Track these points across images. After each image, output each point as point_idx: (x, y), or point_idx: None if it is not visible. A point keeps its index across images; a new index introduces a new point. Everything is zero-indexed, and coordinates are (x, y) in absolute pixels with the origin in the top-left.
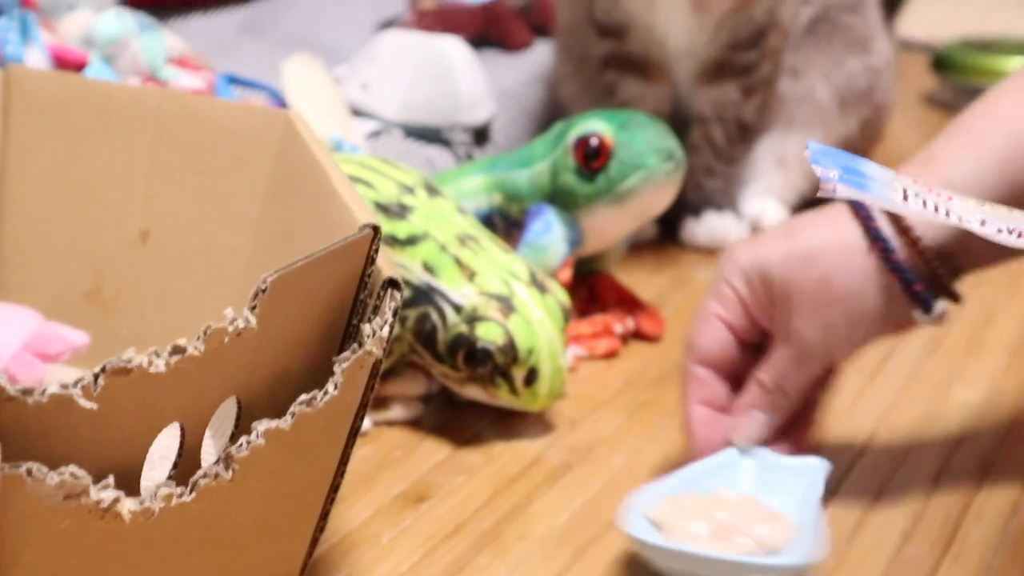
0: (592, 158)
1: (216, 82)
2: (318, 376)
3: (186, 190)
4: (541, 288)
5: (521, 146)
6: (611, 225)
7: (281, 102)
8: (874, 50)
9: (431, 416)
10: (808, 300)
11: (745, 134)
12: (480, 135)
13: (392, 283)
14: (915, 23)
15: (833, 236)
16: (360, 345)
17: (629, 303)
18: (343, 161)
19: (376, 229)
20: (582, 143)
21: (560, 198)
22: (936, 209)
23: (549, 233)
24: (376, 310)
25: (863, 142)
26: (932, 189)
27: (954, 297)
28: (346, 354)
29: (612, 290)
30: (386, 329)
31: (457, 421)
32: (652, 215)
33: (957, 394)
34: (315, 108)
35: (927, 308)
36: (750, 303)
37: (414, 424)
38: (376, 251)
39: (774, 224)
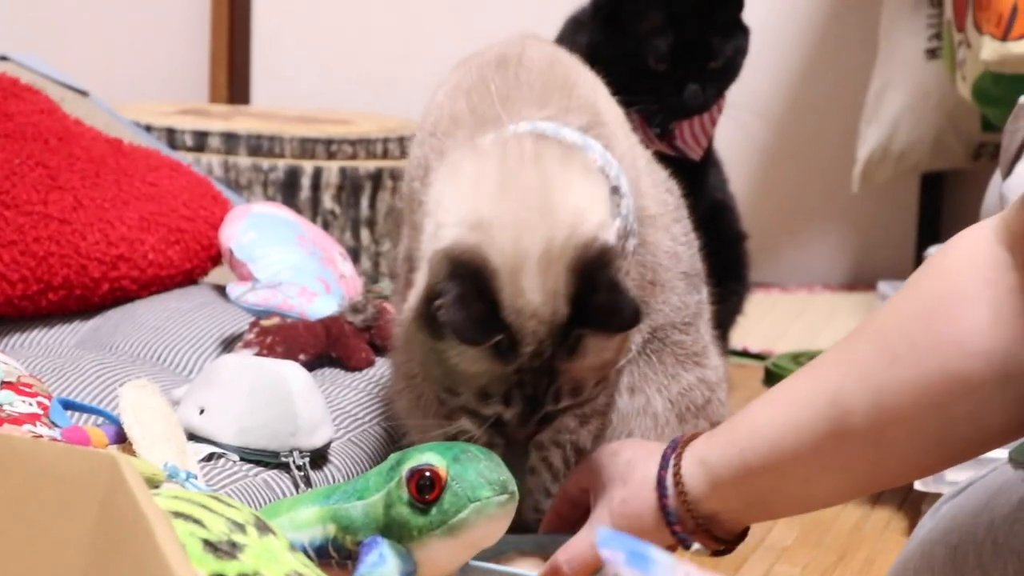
0: (425, 491)
1: (51, 407)
2: None
3: (7, 540)
4: None
5: (360, 471)
6: (445, 557)
7: (118, 426)
8: (707, 365)
9: None
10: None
11: (582, 458)
12: (318, 458)
13: None
14: (750, 336)
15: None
16: None
17: None
18: (172, 497)
19: None
20: (416, 475)
21: (394, 530)
22: None
23: (383, 566)
24: None
25: None
26: None
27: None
28: None
29: None
30: None
31: None
32: (486, 546)
33: None
34: (151, 433)
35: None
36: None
37: None
38: None
39: None
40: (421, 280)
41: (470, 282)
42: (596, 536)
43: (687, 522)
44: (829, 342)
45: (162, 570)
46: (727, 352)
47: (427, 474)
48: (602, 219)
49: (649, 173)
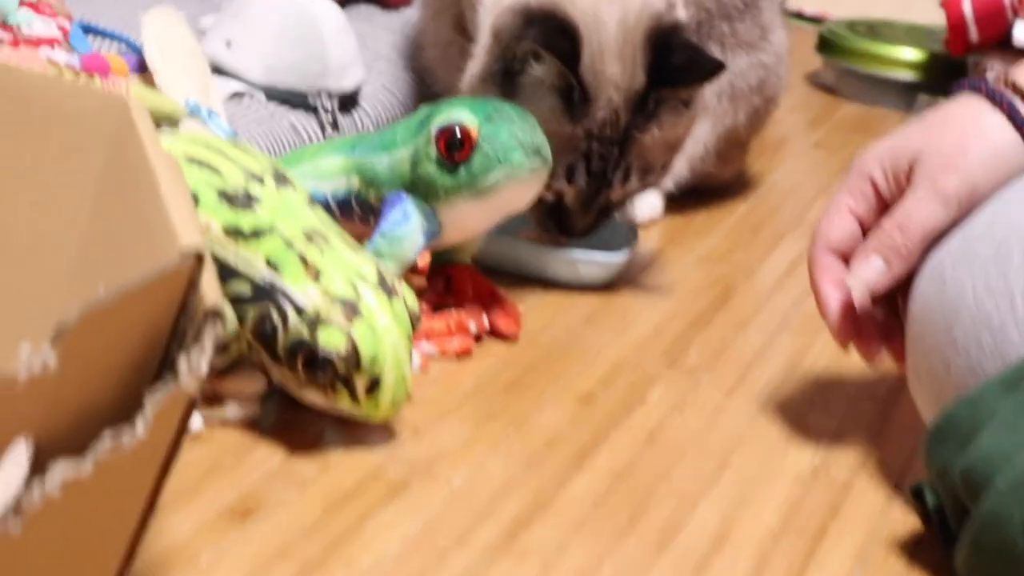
0: (455, 149)
1: (71, 30)
2: (129, 409)
3: (11, 178)
4: (389, 292)
5: (391, 117)
6: (471, 219)
7: (140, 55)
8: (765, 47)
9: (269, 416)
10: (944, 153)
11: None
12: (347, 102)
13: (214, 313)
14: None
15: (962, 107)
16: (175, 378)
17: (487, 297)
18: (189, 141)
19: (200, 257)
20: (445, 133)
21: (420, 188)
22: None
23: (406, 223)
24: (197, 338)
25: (748, 131)
26: None
27: None
28: (158, 387)
29: (470, 282)
30: (204, 363)
31: (296, 423)
32: (515, 210)
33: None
34: (173, 66)
35: None
36: (883, 188)
37: (250, 425)
38: (199, 278)
39: (651, 214)
40: (484, 48)
41: (554, 29)
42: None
43: None
44: (888, 6)
45: (163, 221)
46: None
47: (457, 132)
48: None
49: None
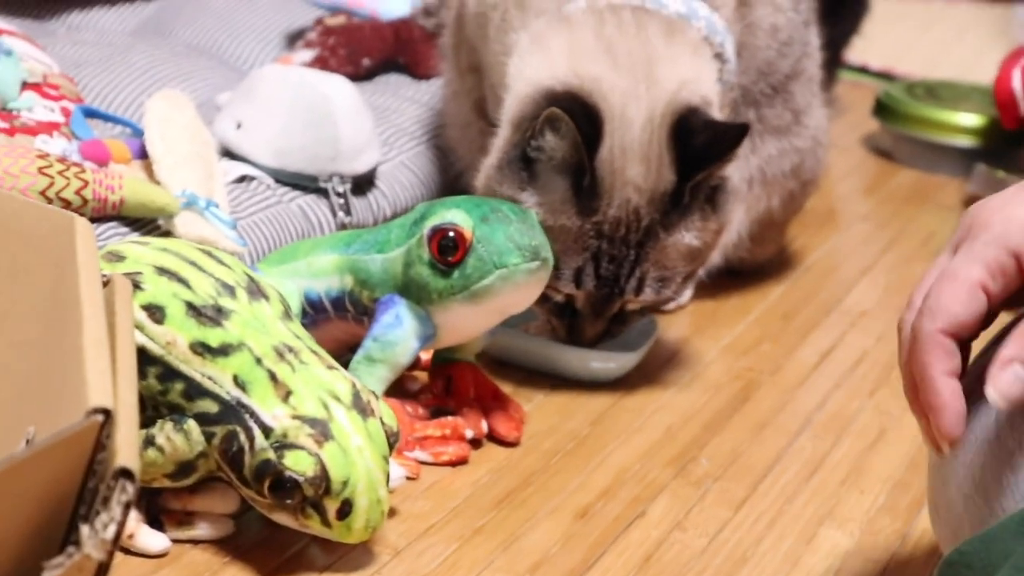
0: (448, 252)
1: (72, 115)
2: None
3: None
4: (364, 411)
5: (409, 198)
6: (468, 322)
7: (141, 139)
8: (799, 131)
9: (246, 531)
10: None
11: None
12: (362, 183)
13: (124, 473)
14: (871, 49)
15: None
16: (78, 546)
17: (489, 399)
18: (161, 250)
19: (107, 413)
20: (438, 234)
21: (413, 290)
22: None
23: (399, 328)
24: (105, 502)
25: (784, 215)
26: None
27: None
28: (59, 559)
29: (472, 383)
30: (112, 529)
31: (273, 541)
32: (514, 312)
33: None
34: (175, 153)
35: None
36: None
37: (223, 543)
38: (108, 436)
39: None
40: (503, 138)
41: (577, 105)
42: None
43: None
44: (955, 65)
45: (78, 372)
46: (834, 80)
47: (450, 234)
48: (706, 94)
49: None
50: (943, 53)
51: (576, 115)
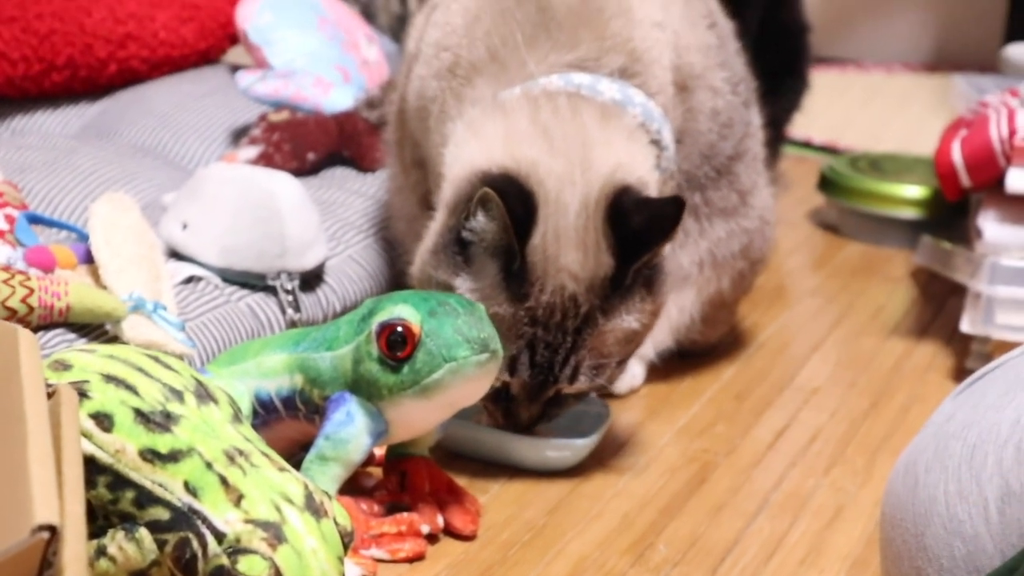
0: (396, 348)
1: (17, 223)
2: None
3: None
4: (317, 513)
5: (358, 292)
6: (419, 417)
7: (87, 244)
8: (746, 212)
9: None
10: None
11: None
12: (311, 279)
13: None
14: (816, 123)
15: None
16: None
17: (444, 492)
18: (107, 356)
19: (53, 530)
20: (386, 330)
21: (363, 387)
22: None
23: (350, 425)
24: None
25: (734, 295)
26: None
27: None
28: None
29: (426, 478)
30: None
31: None
32: (465, 405)
33: None
34: (120, 257)
35: None
36: None
37: None
38: (54, 553)
39: (631, 384)
40: (438, 222)
41: (511, 187)
42: None
43: None
44: (898, 136)
45: (23, 488)
46: (777, 157)
47: (399, 329)
48: (642, 175)
49: (691, 24)
50: (885, 124)
51: (508, 196)
